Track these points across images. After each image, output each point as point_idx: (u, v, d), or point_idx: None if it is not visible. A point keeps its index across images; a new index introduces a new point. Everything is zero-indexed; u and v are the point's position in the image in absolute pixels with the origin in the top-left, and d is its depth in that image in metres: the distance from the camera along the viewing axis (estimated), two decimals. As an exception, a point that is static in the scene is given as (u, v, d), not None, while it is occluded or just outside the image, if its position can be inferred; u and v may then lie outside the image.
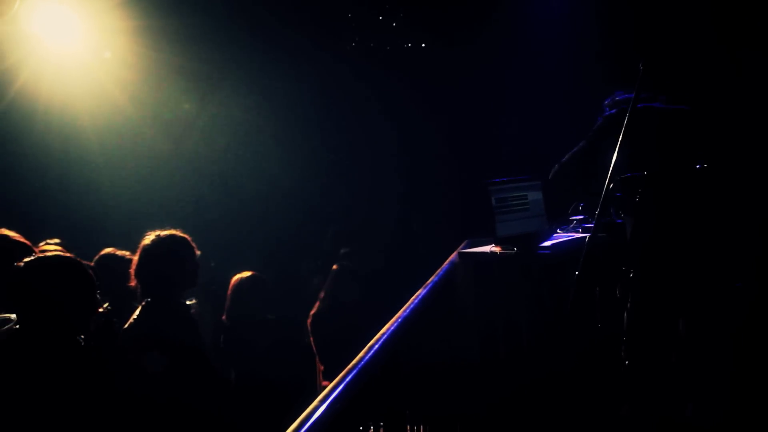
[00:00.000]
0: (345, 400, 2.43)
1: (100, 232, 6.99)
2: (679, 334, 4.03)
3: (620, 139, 3.58)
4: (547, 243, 4.54)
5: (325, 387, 5.79)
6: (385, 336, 2.88)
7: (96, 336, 3.50)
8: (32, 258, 3.28)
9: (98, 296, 3.41)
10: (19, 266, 3.19)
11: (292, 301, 6.90)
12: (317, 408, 2.33)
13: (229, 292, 6.06)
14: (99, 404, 3.10)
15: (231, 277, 6.14)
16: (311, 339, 6.16)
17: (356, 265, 6.22)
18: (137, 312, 3.97)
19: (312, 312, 6.18)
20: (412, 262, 5.98)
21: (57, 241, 5.46)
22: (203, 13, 7.49)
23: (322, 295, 6.22)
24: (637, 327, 4.00)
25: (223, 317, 6.07)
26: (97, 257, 5.06)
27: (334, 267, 6.25)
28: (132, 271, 4.05)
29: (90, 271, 3.40)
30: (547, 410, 4.24)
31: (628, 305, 4.00)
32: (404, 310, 3.30)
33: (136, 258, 4.08)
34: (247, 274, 6.07)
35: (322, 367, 6.16)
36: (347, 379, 2.46)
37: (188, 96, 8.06)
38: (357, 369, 2.53)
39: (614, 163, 3.55)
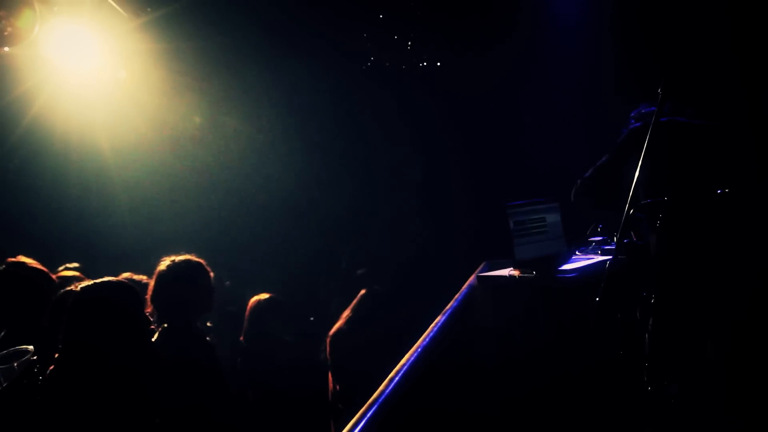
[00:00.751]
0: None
1: (119, 254, 7.01)
2: (703, 358, 3.96)
3: (642, 155, 3.52)
4: (567, 266, 4.49)
5: (336, 407, 5.79)
6: (405, 367, 2.85)
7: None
8: (89, 285, 3.25)
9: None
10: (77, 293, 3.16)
11: (309, 322, 6.87)
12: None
13: (246, 313, 6.04)
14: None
15: (249, 298, 6.13)
16: (328, 357, 6.10)
17: (377, 287, 6.16)
18: (154, 338, 3.94)
19: (332, 331, 6.12)
20: (433, 283, 5.94)
21: (76, 265, 5.48)
22: (219, 35, 7.52)
23: (345, 314, 6.16)
24: (659, 351, 3.93)
25: (241, 338, 6.05)
26: (115, 281, 5.05)
27: (363, 291, 6.20)
28: (148, 297, 4.03)
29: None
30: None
31: (650, 329, 3.93)
32: (424, 339, 3.26)
33: (151, 284, 4.06)
34: (265, 296, 6.06)
35: (337, 386, 6.10)
36: (368, 415, 2.42)
37: (204, 115, 8.07)
38: (378, 404, 2.49)
39: (636, 181, 3.49)
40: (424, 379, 3.22)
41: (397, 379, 2.70)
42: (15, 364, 2.95)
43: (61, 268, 5.25)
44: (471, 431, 4.31)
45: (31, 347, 3.08)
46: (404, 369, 2.78)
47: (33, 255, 4.30)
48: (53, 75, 6.56)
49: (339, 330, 6.07)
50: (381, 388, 2.63)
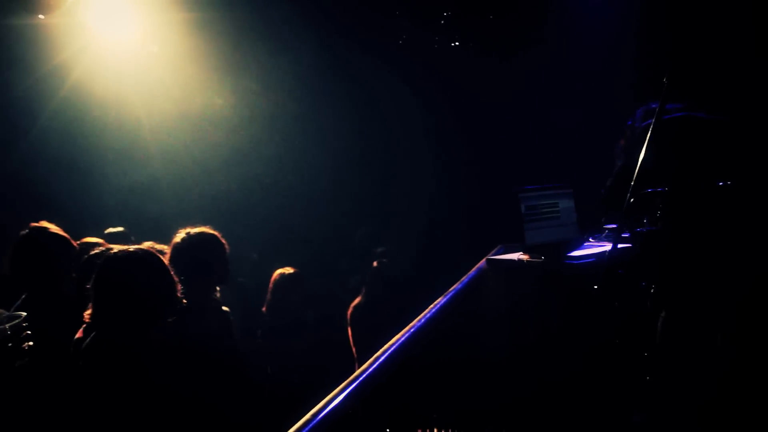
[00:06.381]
0: (344, 409, 2.45)
1: (151, 221, 7.13)
2: (712, 350, 3.94)
3: (645, 145, 3.51)
4: (576, 253, 4.48)
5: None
6: (394, 347, 2.89)
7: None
8: (119, 251, 3.40)
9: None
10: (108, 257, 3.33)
11: (331, 299, 6.95)
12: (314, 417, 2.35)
13: (270, 286, 6.13)
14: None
15: (272, 273, 6.22)
16: (349, 330, 6.22)
17: (391, 264, 6.24)
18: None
19: (353, 304, 6.25)
20: (446, 264, 5.98)
21: (121, 229, 5.69)
22: (256, 8, 7.56)
23: (364, 289, 6.28)
24: (667, 342, 3.93)
25: (263, 309, 6.15)
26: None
27: (374, 264, 6.30)
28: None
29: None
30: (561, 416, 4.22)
31: (662, 320, 3.92)
32: (418, 321, 3.29)
33: (167, 256, 4.11)
34: (289, 270, 6.13)
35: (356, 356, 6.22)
36: (348, 390, 2.48)
37: (236, 92, 8.13)
38: (359, 381, 2.55)
39: (641, 172, 3.47)
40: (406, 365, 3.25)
41: (382, 358, 2.75)
42: (6, 327, 3.00)
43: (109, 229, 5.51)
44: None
45: (23, 313, 3.12)
46: (392, 348, 2.82)
47: (67, 221, 4.38)
48: (91, 45, 6.66)
49: (357, 303, 6.21)
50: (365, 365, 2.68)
